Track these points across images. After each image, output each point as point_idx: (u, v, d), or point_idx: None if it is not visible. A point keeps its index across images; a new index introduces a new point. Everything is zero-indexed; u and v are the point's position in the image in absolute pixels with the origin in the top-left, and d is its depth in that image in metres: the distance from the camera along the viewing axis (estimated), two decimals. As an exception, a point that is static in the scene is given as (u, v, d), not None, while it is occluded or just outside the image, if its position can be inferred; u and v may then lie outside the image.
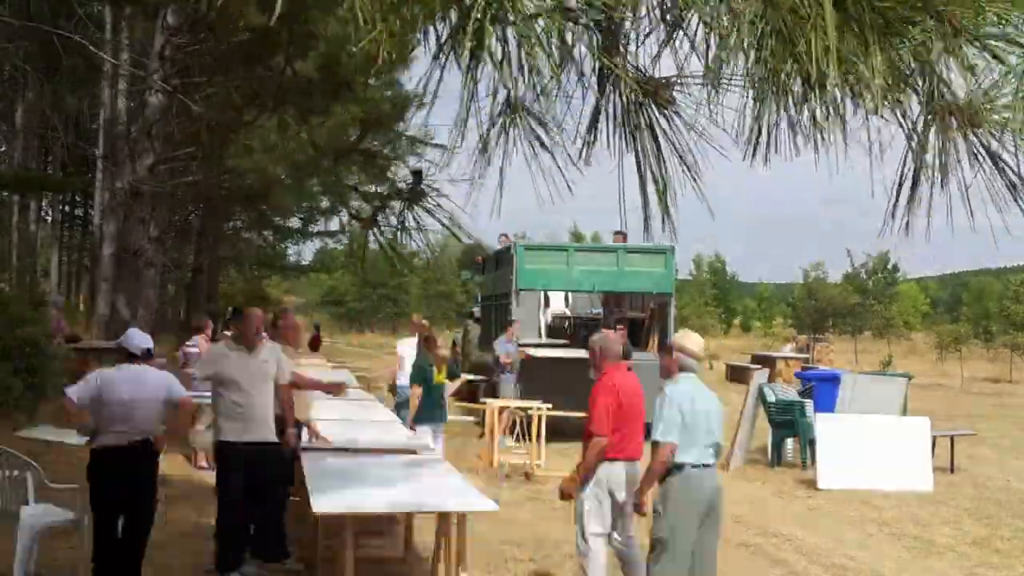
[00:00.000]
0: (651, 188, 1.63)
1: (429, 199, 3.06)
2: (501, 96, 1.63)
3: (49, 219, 30.49)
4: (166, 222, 19.26)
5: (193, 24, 12.27)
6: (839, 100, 1.49)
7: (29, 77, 16.58)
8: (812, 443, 11.36)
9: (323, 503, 4.94)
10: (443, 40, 1.46)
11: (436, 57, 1.48)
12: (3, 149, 23.54)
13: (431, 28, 1.48)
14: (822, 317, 45.11)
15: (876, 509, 9.55)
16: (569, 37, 1.60)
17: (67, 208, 32.67)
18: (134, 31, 14.19)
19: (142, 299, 16.09)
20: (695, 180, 1.62)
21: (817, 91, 1.42)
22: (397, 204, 3.10)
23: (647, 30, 1.64)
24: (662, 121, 1.61)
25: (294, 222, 35.36)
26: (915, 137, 1.53)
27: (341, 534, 5.16)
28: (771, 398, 12.18)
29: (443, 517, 5.51)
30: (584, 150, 1.64)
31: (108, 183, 16.89)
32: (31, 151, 22.53)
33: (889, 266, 50.76)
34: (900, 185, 1.56)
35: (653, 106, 1.61)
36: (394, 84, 19.12)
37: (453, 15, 1.44)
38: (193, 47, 12.57)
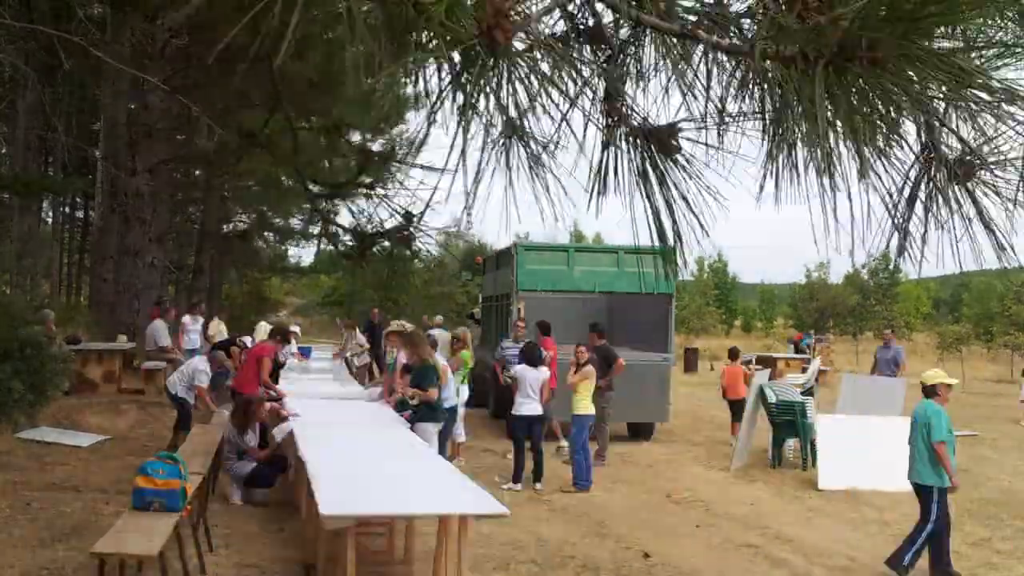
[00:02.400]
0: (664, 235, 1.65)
1: (419, 242, 3.07)
2: (499, 134, 1.63)
3: (50, 220, 30.51)
4: (167, 223, 19.28)
5: (193, 25, 12.28)
6: (839, 153, 1.50)
7: (30, 79, 16.60)
8: (813, 444, 11.37)
9: (329, 507, 4.93)
10: (437, 95, 1.45)
11: (428, 117, 1.47)
12: (4, 151, 23.55)
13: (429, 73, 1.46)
14: (823, 318, 45.10)
15: (877, 509, 9.55)
16: (572, 88, 1.60)
17: (67, 209, 32.70)
18: (134, 32, 14.19)
19: (143, 299, 16.11)
20: (704, 230, 1.62)
21: (819, 149, 1.42)
22: (387, 243, 3.12)
23: (651, 78, 1.65)
24: (670, 168, 1.62)
25: (295, 223, 35.33)
26: (906, 186, 1.55)
27: (342, 535, 5.16)
28: (772, 399, 12.17)
29: (445, 519, 5.50)
30: (592, 202, 1.65)
31: (108, 184, 16.89)
32: (31, 152, 22.55)
33: (890, 267, 50.75)
34: (891, 235, 1.58)
35: (659, 155, 1.61)
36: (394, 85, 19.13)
37: (445, 69, 1.43)
38: (193, 48, 12.59)
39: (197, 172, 18.66)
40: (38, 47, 14.95)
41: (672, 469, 11.68)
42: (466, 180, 1.49)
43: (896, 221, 1.57)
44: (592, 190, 1.63)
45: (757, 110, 1.51)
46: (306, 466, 6.17)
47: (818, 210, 1.49)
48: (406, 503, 5.50)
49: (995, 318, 42.75)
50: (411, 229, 3.01)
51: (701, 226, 1.61)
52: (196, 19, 11.05)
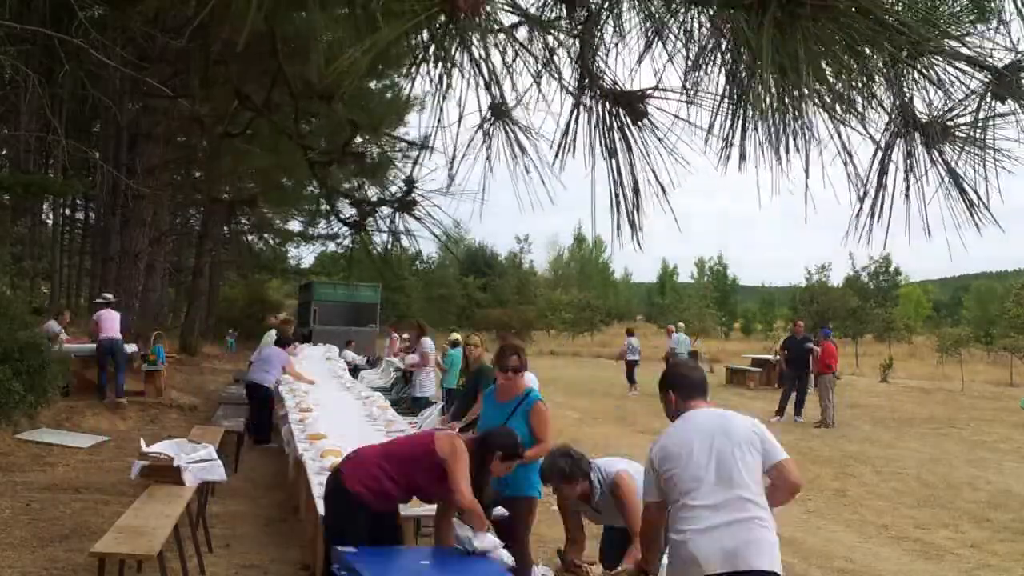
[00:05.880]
0: (623, 197, 1.69)
1: (420, 208, 3.06)
2: (484, 102, 1.68)
3: (50, 222, 30.53)
4: (166, 225, 19.28)
5: (193, 27, 12.29)
6: (809, 115, 1.53)
7: (30, 80, 16.65)
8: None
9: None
10: (418, 56, 1.51)
11: (409, 71, 1.53)
12: (4, 152, 23.58)
13: (412, 38, 1.51)
14: (823, 320, 45.13)
15: (875, 512, 9.56)
16: (547, 48, 1.65)
17: (67, 211, 32.73)
18: (134, 33, 14.23)
19: (142, 300, 16.14)
20: (661, 195, 1.68)
21: (783, 106, 1.46)
22: (387, 211, 3.11)
23: (625, 42, 1.69)
24: (635, 133, 1.66)
25: (295, 225, 35.35)
26: (880, 152, 1.58)
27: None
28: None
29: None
30: (559, 157, 1.69)
31: (108, 186, 16.93)
32: (32, 154, 22.57)
33: (891, 269, 50.81)
34: (864, 196, 1.61)
35: (627, 118, 1.65)
36: (395, 87, 19.13)
37: (425, 35, 1.49)
38: (192, 50, 12.61)
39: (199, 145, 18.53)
40: (38, 49, 14.98)
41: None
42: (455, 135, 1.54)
43: (866, 188, 1.61)
44: (560, 148, 1.68)
45: (727, 70, 1.55)
46: (305, 467, 6.18)
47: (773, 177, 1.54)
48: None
49: (995, 321, 42.75)
50: (413, 195, 2.99)
51: (661, 187, 1.66)
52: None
